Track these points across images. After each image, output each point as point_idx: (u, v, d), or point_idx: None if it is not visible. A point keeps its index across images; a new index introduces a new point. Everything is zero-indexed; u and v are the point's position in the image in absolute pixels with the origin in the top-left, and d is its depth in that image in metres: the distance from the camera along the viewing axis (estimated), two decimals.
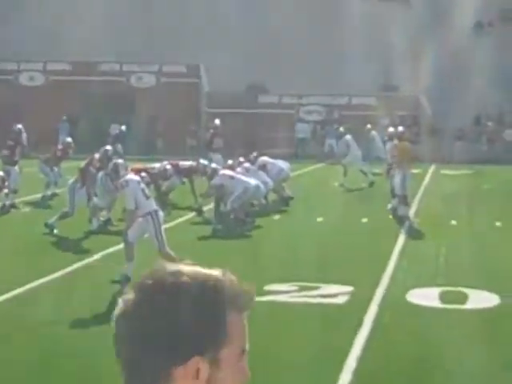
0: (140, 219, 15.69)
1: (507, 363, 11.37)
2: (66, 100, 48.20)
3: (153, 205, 16.10)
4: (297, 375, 10.66)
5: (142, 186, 16.40)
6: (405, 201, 25.06)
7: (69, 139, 30.01)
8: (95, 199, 22.13)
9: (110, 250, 18.36)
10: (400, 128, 28.75)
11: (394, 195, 25.77)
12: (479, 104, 50.48)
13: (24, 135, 29.24)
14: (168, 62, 53.29)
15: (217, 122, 35.45)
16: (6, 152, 26.17)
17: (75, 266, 17.44)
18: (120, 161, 18.82)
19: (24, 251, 18.81)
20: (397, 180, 25.23)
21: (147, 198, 16.08)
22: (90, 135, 42.07)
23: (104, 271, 16.60)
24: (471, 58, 51.54)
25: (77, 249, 19.53)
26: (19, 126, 28.89)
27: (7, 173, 24.86)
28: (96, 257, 18.34)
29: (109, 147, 24.72)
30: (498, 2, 58.18)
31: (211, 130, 34.23)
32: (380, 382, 10.52)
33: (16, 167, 26.35)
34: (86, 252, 19.01)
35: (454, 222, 24.06)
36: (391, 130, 29.97)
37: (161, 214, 16.18)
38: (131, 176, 16.94)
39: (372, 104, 50.96)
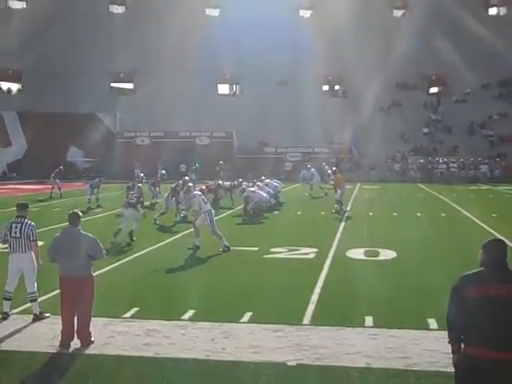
0: (202, 215, 15.79)
1: (399, 286, 11.49)
2: (161, 152, 48.23)
3: (209, 207, 16.17)
4: (287, 296, 10.71)
5: (203, 197, 16.50)
6: (341, 203, 25.12)
7: (163, 171, 30.19)
8: (179, 205, 22.29)
9: (187, 231, 18.40)
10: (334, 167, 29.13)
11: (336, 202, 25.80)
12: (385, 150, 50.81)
13: (141, 174, 29.09)
14: (215, 131, 53.34)
15: (221, 162, 35.58)
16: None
17: (169, 240, 17.55)
18: (190, 184, 18.85)
19: (144, 232, 18.95)
20: (338, 193, 25.31)
21: (205, 203, 16.17)
22: (173, 172, 41.91)
23: (184, 243, 16.65)
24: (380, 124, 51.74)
25: (169, 231, 19.60)
26: (141, 174, 28.76)
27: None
28: (179, 235, 18.38)
29: (187, 177, 24.80)
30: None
31: (218, 168, 33.78)
32: (333, 297, 10.58)
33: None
34: (174, 232, 19.06)
35: (370, 213, 24.15)
36: (334, 168, 30.06)
37: (213, 211, 16.28)
38: (197, 192, 17.04)
39: (325, 151, 51.08)
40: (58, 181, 32.39)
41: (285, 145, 52.99)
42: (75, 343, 8.14)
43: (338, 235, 18.30)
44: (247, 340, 8.35)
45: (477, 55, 56.56)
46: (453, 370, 5.13)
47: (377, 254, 14.88)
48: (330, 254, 14.87)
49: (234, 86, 66.98)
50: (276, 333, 8.64)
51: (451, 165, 50.70)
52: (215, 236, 15.62)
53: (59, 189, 32.22)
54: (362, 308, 9.83)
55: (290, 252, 15.19)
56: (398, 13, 66.80)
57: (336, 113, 53.35)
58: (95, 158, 51.03)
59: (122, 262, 13.69)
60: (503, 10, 66.31)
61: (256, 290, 11.27)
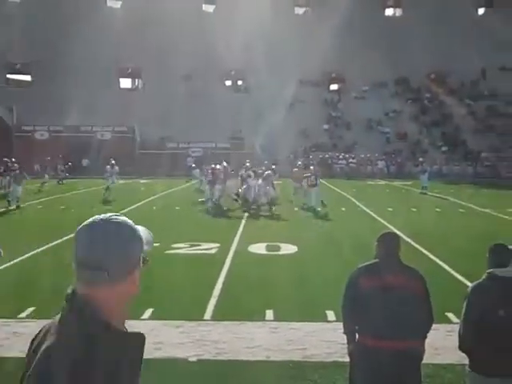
0: None
1: (299, 280, 11.69)
2: (61, 147, 46.62)
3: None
4: (188, 292, 10.70)
5: None
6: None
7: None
8: None
9: None
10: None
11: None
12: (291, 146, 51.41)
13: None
14: (117, 125, 52.37)
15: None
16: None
17: (66, 237, 17.02)
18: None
19: (40, 230, 18.22)
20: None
21: None
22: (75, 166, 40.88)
23: None
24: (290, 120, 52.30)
25: (64, 227, 18.96)
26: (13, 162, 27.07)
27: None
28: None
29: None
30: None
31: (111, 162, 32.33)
32: (235, 292, 10.64)
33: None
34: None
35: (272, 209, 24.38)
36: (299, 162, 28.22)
37: None
38: None
39: (228, 146, 51.16)
40: None
41: (187, 140, 52.73)
42: None
43: (240, 230, 18.45)
44: (149, 337, 8.19)
45: (375, 53, 58.20)
46: (348, 359, 5.26)
47: (278, 249, 15.09)
48: (232, 249, 14.98)
49: (137, 79, 66.01)
50: (177, 329, 8.61)
51: (350, 160, 52.20)
52: None
53: None
54: (263, 302, 9.95)
55: (191, 247, 15.18)
56: (299, 10, 67.96)
57: (239, 108, 53.63)
58: None
59: (18, 259, 13.19)
60: (399, 11, 68.78)
61: (157, 286, 11.12)
